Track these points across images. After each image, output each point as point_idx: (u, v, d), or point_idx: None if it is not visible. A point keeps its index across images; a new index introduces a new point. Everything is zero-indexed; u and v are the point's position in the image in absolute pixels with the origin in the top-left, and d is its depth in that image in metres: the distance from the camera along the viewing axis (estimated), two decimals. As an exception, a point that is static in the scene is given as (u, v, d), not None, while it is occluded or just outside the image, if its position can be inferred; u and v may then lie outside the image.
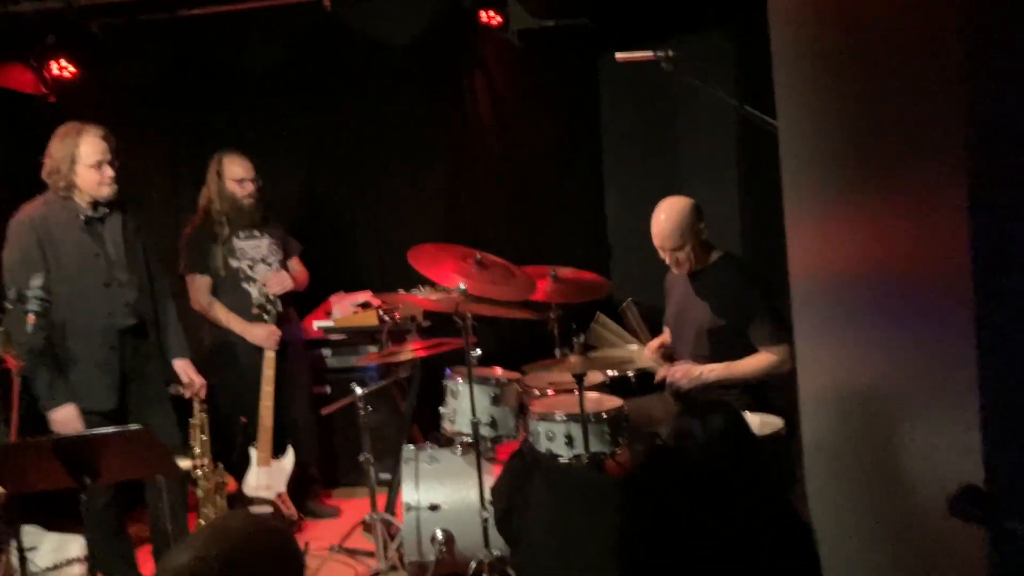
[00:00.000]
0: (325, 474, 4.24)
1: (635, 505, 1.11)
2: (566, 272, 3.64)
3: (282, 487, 3.82)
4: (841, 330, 1.88)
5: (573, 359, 3.01)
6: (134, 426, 2.54)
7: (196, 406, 3.28)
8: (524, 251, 3.87)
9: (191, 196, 4.04)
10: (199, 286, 3.88)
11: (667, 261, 3.20)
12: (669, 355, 3.36)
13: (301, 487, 3.98)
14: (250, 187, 3.88)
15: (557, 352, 3.57)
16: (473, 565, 3.06)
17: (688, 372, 3.10)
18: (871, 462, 1.74)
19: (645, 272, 3.74)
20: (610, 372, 3.35)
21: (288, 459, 3.85)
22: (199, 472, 3.22)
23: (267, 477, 3.78)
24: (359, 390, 3.40)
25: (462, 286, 3.09)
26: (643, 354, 3.40)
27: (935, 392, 1.38)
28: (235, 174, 3.86)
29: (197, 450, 3.23)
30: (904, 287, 1.49)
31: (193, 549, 1.11)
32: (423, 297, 3.41)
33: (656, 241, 3.15)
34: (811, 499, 2.13)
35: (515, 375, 3.35)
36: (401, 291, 3.70)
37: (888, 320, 1.59)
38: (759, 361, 3.02)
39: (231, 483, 3.54)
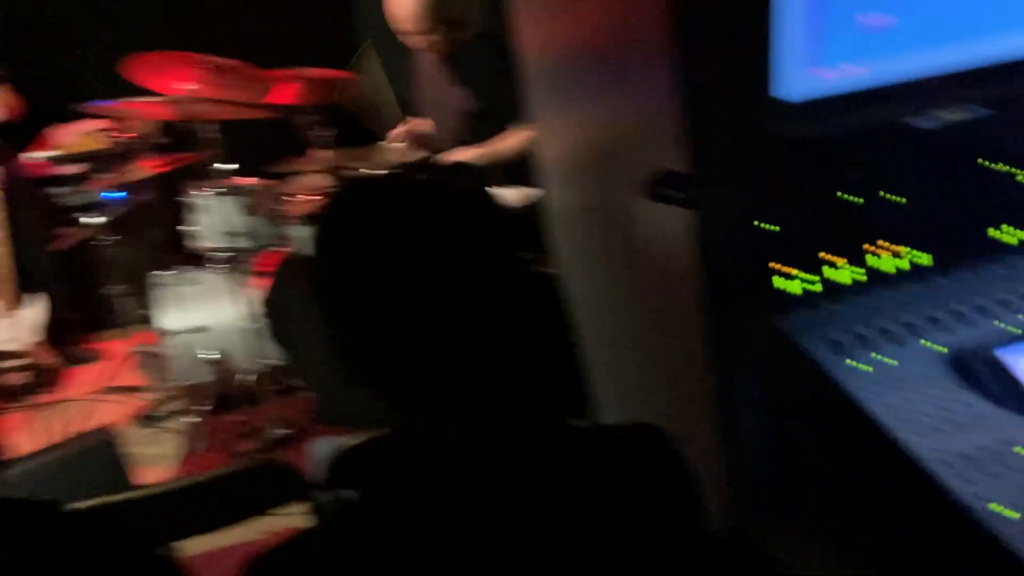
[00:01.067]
0: (84, 316, 3.95)
1: (330, 247, 0.97)
2: (313, 72, 3.42)
3: (35, 336, 3.52)
4: (569, 102, 1.90)
5: (322, 155, 2.88)
6: None
7: None
8: (264, 53, 3.57)
9: None
10: None
11: (414, 46, 3.04)
12: (423, 143, 3.27)
13: (58, 333, 3.69)
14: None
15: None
16: (250, 378, 3.00)
17: (448, 159, 3.03)
18: (606, 218, 1.80)
19: (400, 65, 3.57)
20: (362, 170, 3.23)
21: (36, 306, 3.53)
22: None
23: (14, 328, 3.46)
24: (96, 220, 3.13)
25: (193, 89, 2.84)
26: (393, 145, 3.30)
27: (649, 141, 1.43)
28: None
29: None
30: (616, 54, 1.51)
31: None
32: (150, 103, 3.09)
33: (399, 24, 2.96)
34: (560, 262, 2.20)
35: (268, 182, 3.19)
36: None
37: (606, 87, 1.62)
38: (520, 138, 2.98)
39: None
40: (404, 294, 0.87)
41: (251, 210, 3.05)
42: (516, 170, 3.06)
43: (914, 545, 1.02)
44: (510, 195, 2.81)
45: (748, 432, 1.31)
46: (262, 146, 3.57)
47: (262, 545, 0.88)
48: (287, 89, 3.23)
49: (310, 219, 2.87)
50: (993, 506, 0.89)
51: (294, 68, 3.34)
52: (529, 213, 2.65)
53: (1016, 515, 0.88)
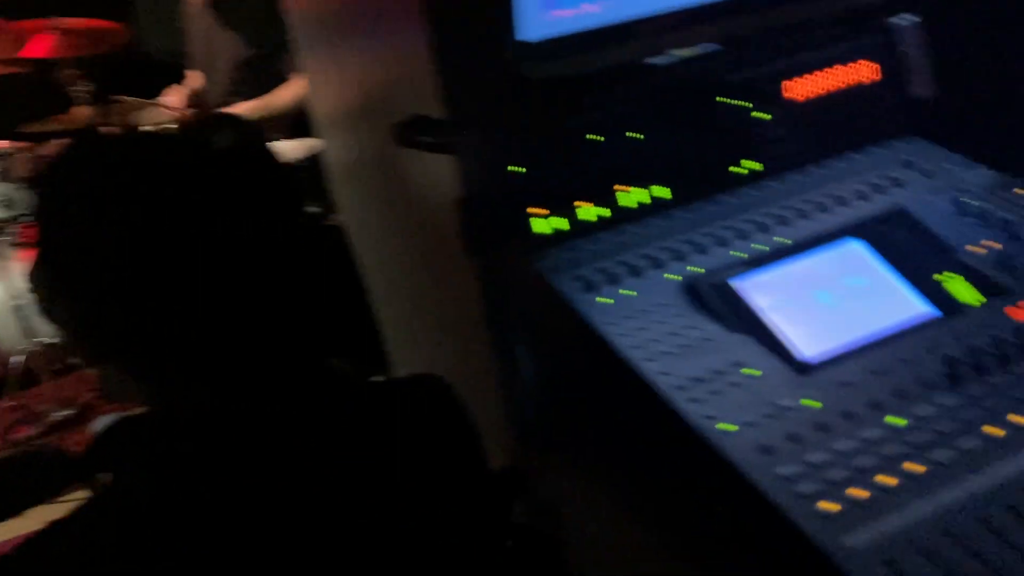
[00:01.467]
0: None
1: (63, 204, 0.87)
2: (71, 22, 3.13)
3: None
4: (335, 51, 1.85)
5: (84, 113, 2.66)
6: None
7: None
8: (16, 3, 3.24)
9: None
10: None
11: None
12: (197, 99, 3.09)
13: None
14: None
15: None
16: (20, 360, 2.77)
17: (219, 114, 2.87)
18: (380, 168, 1.77)
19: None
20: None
21: None
22: None
23: None
24: None
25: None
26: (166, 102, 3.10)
27: (409, 89, 1.40)
28: None
29: None
30: (373, 3, 1.47)
31: None
32: None
33: None
34: (344, 215, 2.15)
35: (24, 145, 2.92)
36: None
37: (368, 36, 1.58)
38: (297, 88, 2.87)
39: None
40: (154, 259, 0.81)
41: (6, 176, 2.79)
42: (300, 121, 2.95)
43: (659, 469, 1.07)
44: (291, 148, 2.71)
45: (520, 374, 1.34)
46: (17, 105, 3.26)
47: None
48: (42, 41, 2.96)
49: (34, 180, 2.67)
50: (721, 425, 0.94)
51: (50, 18, 3.06)
52: (311, 165, 2.57)
53: (735, 427, 0.94)
